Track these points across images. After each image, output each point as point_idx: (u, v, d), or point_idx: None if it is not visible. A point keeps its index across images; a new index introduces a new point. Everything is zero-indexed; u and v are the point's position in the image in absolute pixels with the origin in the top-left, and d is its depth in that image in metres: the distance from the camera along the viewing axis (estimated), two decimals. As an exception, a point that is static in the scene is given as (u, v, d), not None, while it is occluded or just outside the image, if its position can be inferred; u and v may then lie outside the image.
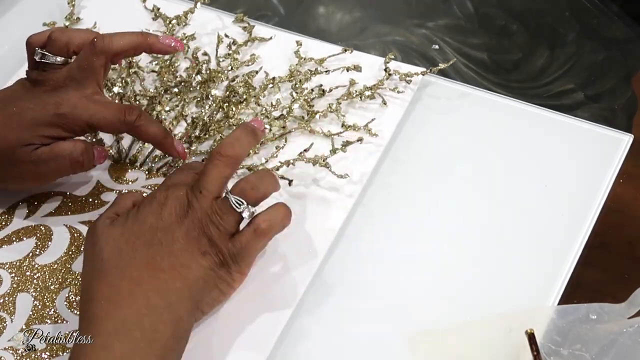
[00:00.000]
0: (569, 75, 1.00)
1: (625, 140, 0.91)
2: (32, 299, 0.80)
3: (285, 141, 0.89)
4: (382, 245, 0.84)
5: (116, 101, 0.93)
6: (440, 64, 0.94)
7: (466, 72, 1.00)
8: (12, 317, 0.79)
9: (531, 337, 0.75)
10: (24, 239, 0.84)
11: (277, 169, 0.87)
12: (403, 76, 0.93)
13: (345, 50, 0.96)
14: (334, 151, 0.87)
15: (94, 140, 0.89)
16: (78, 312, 0.75)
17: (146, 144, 0.90)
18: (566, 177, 0.88)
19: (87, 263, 0.74)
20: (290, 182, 0.86)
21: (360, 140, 0.88)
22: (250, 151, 0.88)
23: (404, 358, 0.77)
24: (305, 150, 0.87)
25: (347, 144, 0.88)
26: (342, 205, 0.85)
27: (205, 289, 0.75)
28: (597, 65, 1.00)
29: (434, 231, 0.85)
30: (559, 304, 0.80)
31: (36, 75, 0.83)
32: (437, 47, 0.96)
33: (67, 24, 1.00)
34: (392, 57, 0.95)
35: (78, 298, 0.79)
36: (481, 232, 0.84)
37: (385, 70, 0.94)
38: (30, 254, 0.83)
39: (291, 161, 0.87)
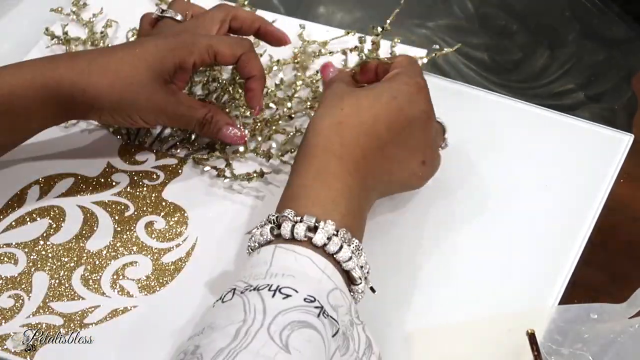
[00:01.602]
0: (569, 75, 1.00)
1: (625, 140, 0.91)
2: (48, 277, 0.81)
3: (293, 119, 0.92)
4: (381, 244, 0.84)
5: None
6: (444, 49, 0.94)
7: (466, 72, 1.00)
8: (30, 295, 0.80)
9: (532, 337, 0.75)
10: (38, 219, 0.85)
11: (282, 155, 0.89)
12: None
13: (348, 33, 0.97)
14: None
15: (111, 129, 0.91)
16: (94, 289, 0.80)
17: (152, 128, 0.91)
18: (566, 177, 0.88)
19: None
20: None
21: None
22: (260, 138, 0.90)
23: (404, 358, 0.77)
24: None
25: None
26: None
27: None
28: (597, 65, 1.00)
29: (433, 231, 0.85)
30: (559, 304, 0.80)
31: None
32: (437, 47, 0.96)
33: (74, 9, 1.01)
34: (398, 41, 0.95)
35: (93, 276, 0.81)
36: (481, 232, 0.85)
37: (390, 54, 0.94)
38: (45, 234, 0.84)
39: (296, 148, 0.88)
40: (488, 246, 0.84)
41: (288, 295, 0.66)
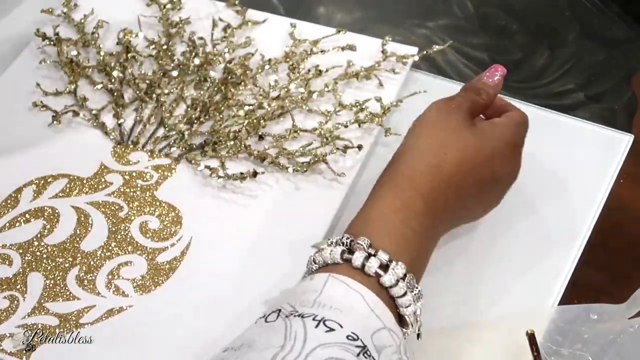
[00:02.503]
0: (569, 75, 1.00)
1: (625, 140, 0.91)
2: (43, 277, 0.81)
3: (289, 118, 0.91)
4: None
5: (115, 85, 0.95)
6: (435, 46, 0.94)
7: (466, 72, 1.00)
8: (25, 296, 0.80)
9: (531, 337, 0.74)
10: (32, 220, 0.85)
11: (277, 157, 0.88)
12: (400, 58, 0.95)
13: (339, 32, 0.97)
14: (333, 151, 0.87)
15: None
16: (89, 289, 0.80)
17: (147, 125, 0.91)
18: (566, 177, 0.88)
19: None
20: (286, 169, 0.87)
21: (360, 147, 0.88)
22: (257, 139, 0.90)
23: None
24: (307, 145, 0.88)
25: (347, 147, 0.88)
26: (337, 197, 0.86)
27: None
28: (597, 65, 1.00)
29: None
30: (559, 304, 0.80)
31: None
32: (437, 47, 0.96)
33: (64, 10, 1.01)
34: (389, 39, 0.95)
35: (88, 276, 0.81)
36: (481, 232, 0.84)
37: (382, 52, 0.95)
38: (39, 235, 0.84)
39: (292, 152, 0.88)
40: (488, 246, 0.84)
41: (332, 329, 0.64)
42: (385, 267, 0.69)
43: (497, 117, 0.81)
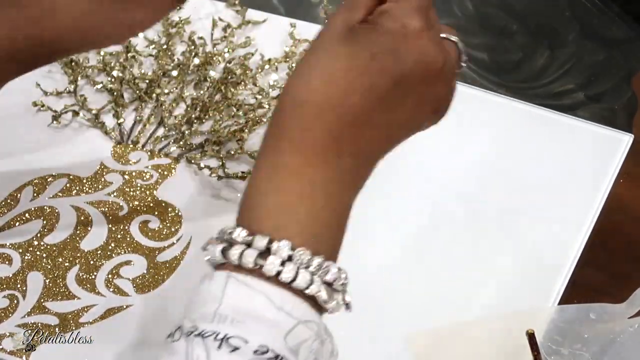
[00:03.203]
0: (569, 75, 1.00)
1: (625, 140, 0.91)
2: (43, 277, 0.81)
3: None
4: (382, 244, 0.83)
5: (115, 85, 0.95)
6: None
7: (466, 72, 1.00)
8: (24, 295, 0.80)
9: (531, 337, 0.74)
10: (32, 220, 0.85)
11: None
12: None
13: None
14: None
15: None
16: (88, 289, 0.80)
17: (147, 125, 0.91)
18: (566, 177, 0.88)
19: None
20: None
21: None
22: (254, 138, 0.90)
23: (404, 358, 0.77)
24: None
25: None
26: None
27: None
28: (597, 65, 1.00)
29: (433, 231, 0.84)
30: (559, 304, 0.79)
31: None
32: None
33: None
34: None
35: (88, 275, 0.81)
36: (481, 232, 0.84)
37: None
38: (39, 234, 0.84)
39: None
40: (488, 246, 0.84)
41: (236, 348, 0.55)
42: (267, 254, 0.58)
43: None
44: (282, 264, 0.57)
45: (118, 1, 0.73)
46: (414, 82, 0.63)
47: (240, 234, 0.58)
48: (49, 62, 0.80)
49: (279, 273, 0.57)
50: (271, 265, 0.57)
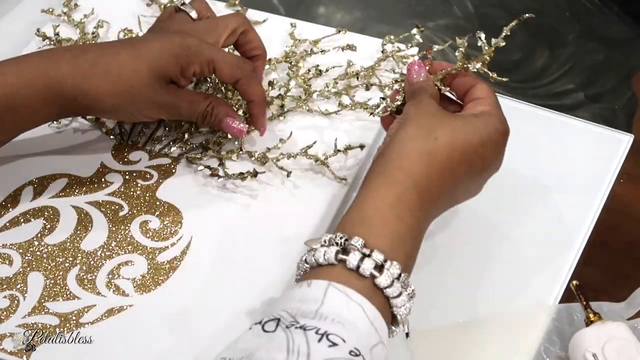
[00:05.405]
0: (569, 75, 1.00)
1: (625, 140, 0.91)
2: (43, 277, 0.81)
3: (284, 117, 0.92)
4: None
5: None
6: (435, 46, 0.94)
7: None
8: (25, 295, 0.80)
9: (577, 288, 0.76)
10: (32, 220, 0.85)
11: (278, 160, 0.87)
12: (399, 58, 0.95)
13: (339, 31, 0.97)
14: (335, 152, 0.87)
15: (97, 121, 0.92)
16: (89, 289, 0.80)
17: (146, 127, 0.91)
18: (566, 177, 0.88)
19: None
20: (288, 174, 0.86)
21: (362, 147, 0.88)
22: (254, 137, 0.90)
23: (404, 358, 0.77)
24: (308, 147, 0.87)
25: (349, 147, 0.88)
26: (338, 197, 0.86)
27: None
28: (597, 65, 1.00)
29: (433, 231, 0.84)
30: (559, 304, 0.79)
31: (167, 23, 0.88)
32: (437, 47, 0.95)
33: (65, 10, 1.01)
34: (390, 39, 0.96)
35: (88, 275, 0.81)
36: (481, 232, 0.84)
37: (382, 52, 0.95)
38: (39, 234, 0.84)
39: (292, 154, 0.87)
40: (488, 246, 0.84)
41: (335, 344, 0.62)
42: (380, 268, 0.68)
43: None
44: (392, 282, 0.67)
45: (164, 88, 0.83)
46: (488, 175, 0.78)
47: (359, 243, 0.68)
48: (80, 115, 0.89)
49: (386, 287, 0.67)
50: (383, 279, 0.67)
